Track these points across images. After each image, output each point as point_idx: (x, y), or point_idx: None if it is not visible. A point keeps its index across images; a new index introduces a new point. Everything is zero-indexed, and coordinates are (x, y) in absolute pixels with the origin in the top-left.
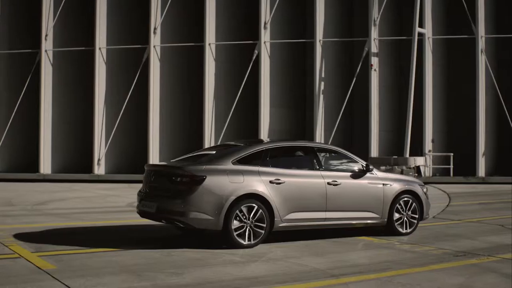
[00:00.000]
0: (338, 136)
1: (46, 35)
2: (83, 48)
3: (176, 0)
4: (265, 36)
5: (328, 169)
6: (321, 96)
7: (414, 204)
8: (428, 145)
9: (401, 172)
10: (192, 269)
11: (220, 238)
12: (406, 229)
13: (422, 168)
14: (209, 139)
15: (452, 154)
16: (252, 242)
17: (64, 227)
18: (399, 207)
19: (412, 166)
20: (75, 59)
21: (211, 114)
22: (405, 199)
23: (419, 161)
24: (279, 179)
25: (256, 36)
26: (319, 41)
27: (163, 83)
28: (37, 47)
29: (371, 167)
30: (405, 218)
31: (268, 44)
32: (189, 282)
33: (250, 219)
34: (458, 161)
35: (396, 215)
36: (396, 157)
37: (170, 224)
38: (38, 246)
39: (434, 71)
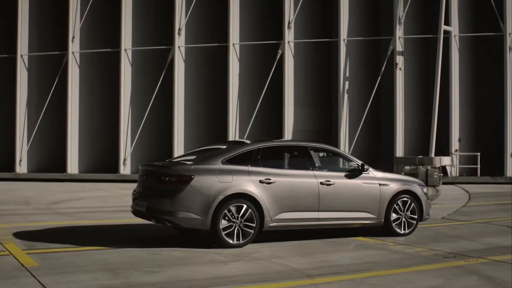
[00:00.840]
0: (363, 136)
1: (73, 37)
2: (109, 49)
3: (200, 1)
4: (289, 35)
5: (322, 168)
6: (346, 96)
7: (413, 204)
8: (455, 144)
9: (426, 172)
10: (170, 268)
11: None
12: (404, 229)
13: (448, 168)
14: (233, 139)
15: (479, 153)
16: (241, 241)
17: (66, 225)
18: (396, 207)
19: (438, 166)
20: (101, 60)
21: (235, 114)
22: (404, 199)
23: (445, 161)
24: (269, 179)
25: (280, 36)
26: (344, 40)
27: (188, 83)
28: (64, 49)
29: (366, 166)
30: (404, 219)
31: (292, 44)
32: (160, 281)
33: (239, 218)
34: (485, 160)
35: (394, 216)
36: (421, 157)
37: (160, 223)
38: (31, 244)
39: (461, 69)
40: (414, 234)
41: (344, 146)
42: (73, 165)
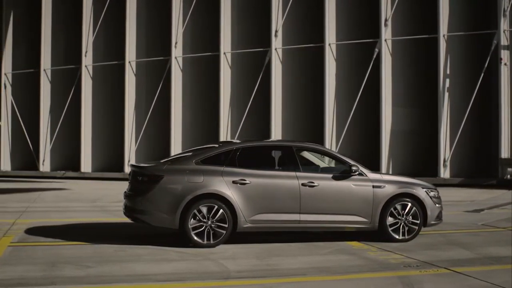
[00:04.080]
0: (464, 135)
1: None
2: (209, 53)
3: (295, 3)
4: (386, 33)
5: (306, 169)
6: (446, 94)
7: (414, 208)
8: None
9: None
10: (112, 264)
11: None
12: (403, 235)
13: None
14: (330, 141)
15: None
16: (212, 242)
17: (84, 222)
18: (394, 211)
19: None
20: (202, 64)
21: (331, 115)
22: (403, 202)
23: None
24: (244, 179)
25: (376, 34)
26: (443, 36)
27: (285, 84)
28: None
29: (354, 168)
30: (403, 224)
31: (389, 42)
32: (87, 275)
33: (210, 219)
34: None
35: (390, 220)
36: None
37: (136, 222)
38: (27, 237)
39: None
40: (415, 240)
41: (444, 147)
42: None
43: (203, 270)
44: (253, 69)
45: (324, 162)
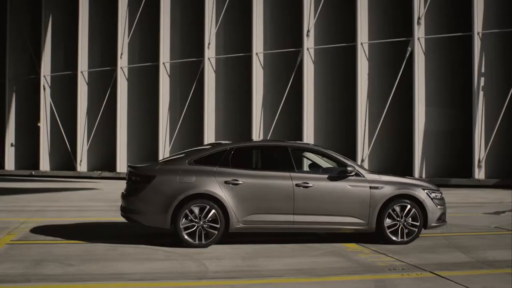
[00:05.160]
0: (500, 135)
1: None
2: (242, 54)
3: (327, 2)
4: (419, 32)
5: (301, 170)
6: (481, 93)
7: (413, 210)
8: None
9: None
10: (95, 262)
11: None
12: (402, 237)
13: None
14: (362, 141)
15: None
16: (204, 242)
17: (94, 221)
18: (392, 213)
19: None
20: (235, 65)
21: (364, 114)
22: (402, 204)
23: None
24: (236, 180)
25: (409, 32)
26: (478, 34)
27: (317, 84)
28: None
29: (350, 168)
30: (402, 226)
31: (422, 40)
32: (65, 273)
33: (202, 219)
34: None
35: (389, 222)
36: None
37: (130, 222)
38: (29, 235)
39: None
40: (414, 242)
41: (479, 147)
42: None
43: (181, 270)
44: (285, 69)
45: (330, 164)
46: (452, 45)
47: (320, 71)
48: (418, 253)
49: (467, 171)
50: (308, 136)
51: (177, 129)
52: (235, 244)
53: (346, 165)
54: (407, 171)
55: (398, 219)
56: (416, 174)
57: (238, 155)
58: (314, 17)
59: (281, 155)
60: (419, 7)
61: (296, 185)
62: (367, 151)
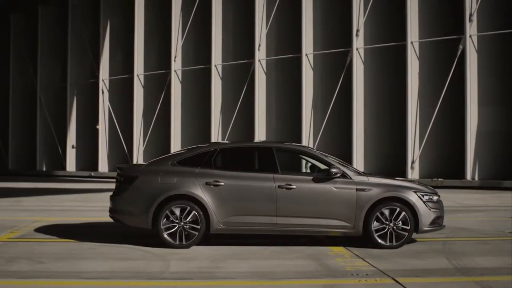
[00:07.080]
0: None
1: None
2: (291, 55)
3: (376, 1)
4: (471, 29)
5: (285, 171)
6: None
7: (403, 213)
8: None
9: None
10: (67, 260)
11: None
12: (390, 241)
13: None
14: (412, 141)
15: None
16: (184, 242)
17: (100, 221)
18: (381, 216)
19: None
20: (284, 65)
21: (414, 114)
22: (391, 207)
23: None
24: (217, 181)
25: (460, 30)
26: None
27: (367, 84)
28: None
29: (334, 170)
30: (391, 229)
31: (474, 38)
32: (31, 270)
33: (183, 220)
34: None
35: (376, 225)
36: None
37: (115, 222)
38: (26, 234)
39: None
40: (405, 247)
41: None
42: None
43: (141, 270)
44: (335, 69)
45: (320, 166)
46: (506, 42)
47: (370, 71)
48: (400, 259)
49: None
50: (358, 136)
51: (228, 130)
52: (217, 245)
53: (331, 166)
54: (459, 173)
55: (387, 222)
56: (468, 177)
57: (222, 156)
58: (364, 17)
59: (265, 156)
60: (470, 4)
61: (279, 186)
62: (417, 153)
